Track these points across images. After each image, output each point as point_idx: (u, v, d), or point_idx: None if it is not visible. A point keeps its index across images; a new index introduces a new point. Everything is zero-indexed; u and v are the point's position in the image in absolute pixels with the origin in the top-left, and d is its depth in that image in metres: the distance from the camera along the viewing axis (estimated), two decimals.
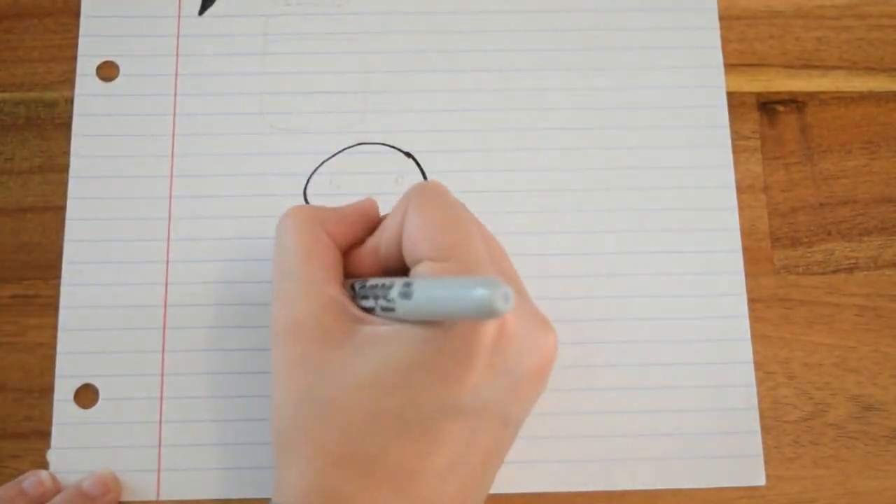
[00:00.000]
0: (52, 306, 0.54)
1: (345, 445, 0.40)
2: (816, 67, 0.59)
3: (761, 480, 0.52)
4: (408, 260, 0.44)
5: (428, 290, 0.38)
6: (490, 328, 0.40)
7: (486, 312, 0.35)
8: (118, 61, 0.58)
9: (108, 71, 0.58)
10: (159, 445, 0.52)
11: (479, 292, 0.35)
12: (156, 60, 0.58)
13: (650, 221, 0.56)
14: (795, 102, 0.59)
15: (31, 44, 0.58)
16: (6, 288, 0.55)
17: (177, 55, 0.58)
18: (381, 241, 0.46)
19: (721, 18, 0.59)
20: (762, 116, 0.58)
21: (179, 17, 0.59)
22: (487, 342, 0.40)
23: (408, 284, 0.40)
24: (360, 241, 0.47)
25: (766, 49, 0.60)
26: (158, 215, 0.55)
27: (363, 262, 0.47)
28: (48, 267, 0.55)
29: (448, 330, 0.40)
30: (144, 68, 0.58)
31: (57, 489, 0.51)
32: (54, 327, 0.54)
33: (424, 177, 0.56)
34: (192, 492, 0.52)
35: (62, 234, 0.55)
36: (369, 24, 0.59)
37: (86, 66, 0.58)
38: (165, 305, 0.54)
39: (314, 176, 0.56)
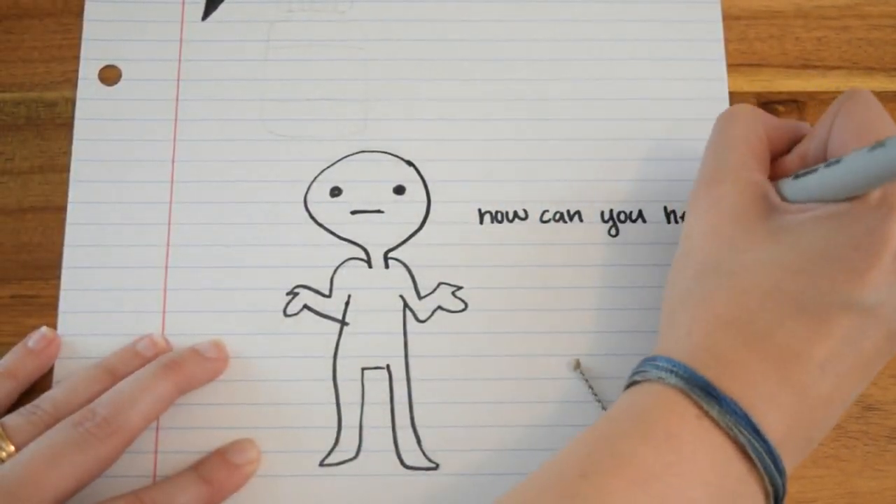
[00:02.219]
0: (52, 306, 0.54)
1: (738, 315, 0.43)
2: (816, 67, 0.59)
3: None
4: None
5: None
6: None
7: None
8: (120, 65, 0.58)
9: (110, 75, 0.58)
10: (155, 452, 0.52)
11: None
12: (158, 65, 0.58)
13: (649, 218, 0.56)
14: (795, 102, 0.59)
15: (32, 44, 0.59)
16: (6, 288, 0.55)
17: (179, 60, 0.58)
18: (809, 147, 0.48)
19: (721, 18, 0.60)
20: None
21: (182, 22, 0.59)
22: (894, 242, 0.41)
23: (880, 141, 0.40)
24: (783, 152, 0.50)
25: (766, 49, 0.60)
26: (158, 220, 0.56)
27: (789, 168, 0.49)
28: (48, 267, 0.55)
29: (862, 225, 0.42)
30: (147, 73, 0.58)
31: (170, 350, 0.53)
32: (54, 327, 0.54)
33: (425, 185, 0.56)
34: None
35: (62, 235, 0.55)
36: (372, 31, 0.59)
37: (88, 70, 0.58)
38: (164, 311, 0.54)
39: (314, 183, 0.56)
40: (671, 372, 0.42)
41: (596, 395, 0.52)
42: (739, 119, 0.49)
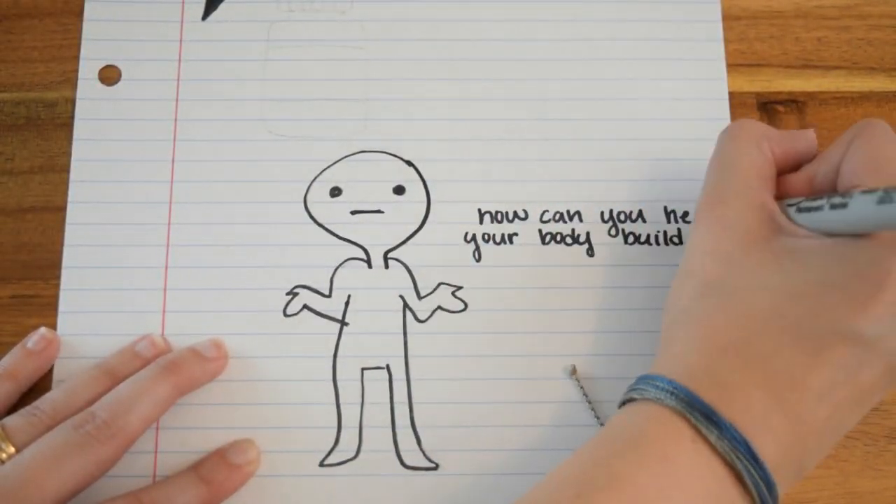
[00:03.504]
0: (52, 306, 0.54)
1: (737, 337, 0.42)
2: (816, 67, 0.59)
3: None
4: (842, 188, 0.45)
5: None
6: None
7: None
8: (120, 65, 0.58)
9: (110, 75, 0.58)
10: (155, 452, 0.52)
11: None
12: (158, 65, 0.58)
13: (649, 218, 0.56)
14: (795, 102, 0.59)
15: (32, 44, 0.59)
16: (6, 288, 0.55)
17: (179, 60, 0.58)
18: (818, 170, 0.48)
19: (721, 19, 0.60)
20: (762, 116, 0.58)
21: (182, 21, 0.59)
22: None
23: (887, 192, 0.39)
24: (792, 168, 0.49)
25: (766, 49, 0.60)
26: (158, 220, 0.56)
27: (794, 187, 0.48)
28: (48, 267, 0.55)
29: (868, 257, 0.41)
30: (146, 73, 0.58)
31: (169, 350, 0.53)
32: (54, 327, 0.54)
33: (425, 186, 0.57)
34: None
35: (62, 235, 0.55)
36: (372, 31, 0.59)
37: (88, 70, 0.58)
38: (164, 311, 0.54)
39: (314, 183, 0.56)
40: (670, 393, 0.41)
41: (590, 401, 0.52)
42: (743, 136, 0.48)
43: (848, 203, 0.42)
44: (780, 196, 0.48)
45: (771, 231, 0.45)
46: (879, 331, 0.41)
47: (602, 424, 0.52)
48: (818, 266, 0.42)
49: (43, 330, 0.53)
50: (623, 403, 0.44)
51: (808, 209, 0.45)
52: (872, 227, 0.41)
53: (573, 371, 0.53)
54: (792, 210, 0.46)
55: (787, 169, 0.49)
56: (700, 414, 0.40)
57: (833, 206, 0.43)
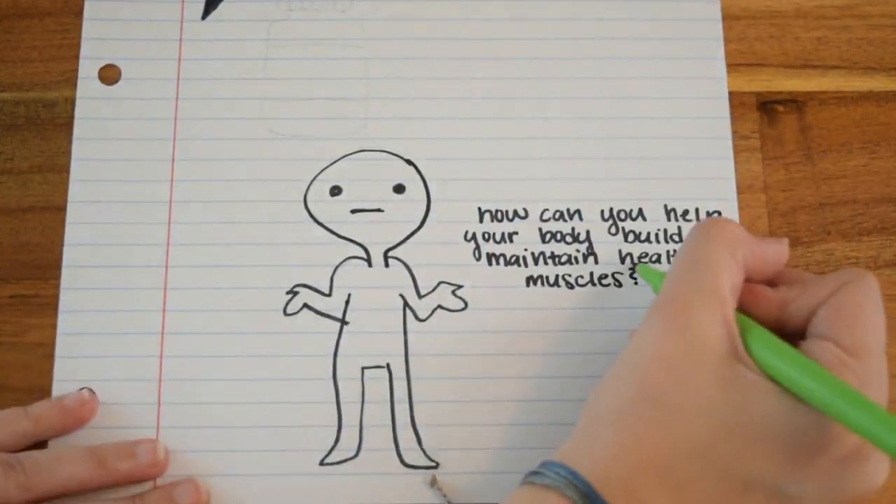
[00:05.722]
0: (51, 306, 0.54)
1: (664, 457, 0.41)
2: (816, 67, 0.59)
3: None
4: (812, 331, 0.44)
5: (849, 406, 0.38)
6: (852, 441, 0.40)
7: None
8: (120, 65, 0.58)
9: (110, 74, 0.58)
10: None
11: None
12: (158, 64, 0.58)
13: (649, 217, 0.56)
14: (795, 102, 0.59)
15: (31, 44, 0.59)
16: (6, 288, 0.55)
17: (179, 59, 0.58)
18: (795, 299, 0.46)
19: (721, 18, 0.60)
20: (762, 116, 0.58)
21: (182, 21, 0.59)
22: (840, 452, 0.40)
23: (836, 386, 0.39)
24: (761, 279, 0.48)
25: (766, 49, 0.60)
26: (158, 220, 0.56)
27: (762, 304, 0.47)
28: (48, 267, 0.55)
29: (814, 418, 0.40)
30: (146, 72, 0.58)
31: (166, 468, 0.52)
32: (54, 327, 0.54)
33: (425, 184, 0.57)
34: None
35: (62, 235, 0.55)
36: (372, 30, 0.59)
37: (88, 69, 0.58)
38: (164, 311, 0.54)
39: (314, 182, 0.56)
40: (578, 491, 0.41)
41: None
42: (721, 239, 0.46)
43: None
44: (742, 304, 0.46)
45: (728, 354, 0.43)
46: (803, 492, 0.41)
47: None
48: (762, 409, 0.41)
49: (84, 391, 0.52)
50: (525, 482, 0.44)
51: (765, 353, 0.43)
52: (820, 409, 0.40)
53: (433, 481, 0.52)
54: (751, 334, 0.44)
55: (753, 274, 0.47)
56: None
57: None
